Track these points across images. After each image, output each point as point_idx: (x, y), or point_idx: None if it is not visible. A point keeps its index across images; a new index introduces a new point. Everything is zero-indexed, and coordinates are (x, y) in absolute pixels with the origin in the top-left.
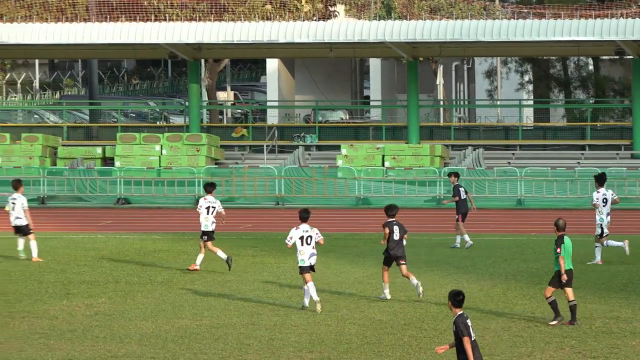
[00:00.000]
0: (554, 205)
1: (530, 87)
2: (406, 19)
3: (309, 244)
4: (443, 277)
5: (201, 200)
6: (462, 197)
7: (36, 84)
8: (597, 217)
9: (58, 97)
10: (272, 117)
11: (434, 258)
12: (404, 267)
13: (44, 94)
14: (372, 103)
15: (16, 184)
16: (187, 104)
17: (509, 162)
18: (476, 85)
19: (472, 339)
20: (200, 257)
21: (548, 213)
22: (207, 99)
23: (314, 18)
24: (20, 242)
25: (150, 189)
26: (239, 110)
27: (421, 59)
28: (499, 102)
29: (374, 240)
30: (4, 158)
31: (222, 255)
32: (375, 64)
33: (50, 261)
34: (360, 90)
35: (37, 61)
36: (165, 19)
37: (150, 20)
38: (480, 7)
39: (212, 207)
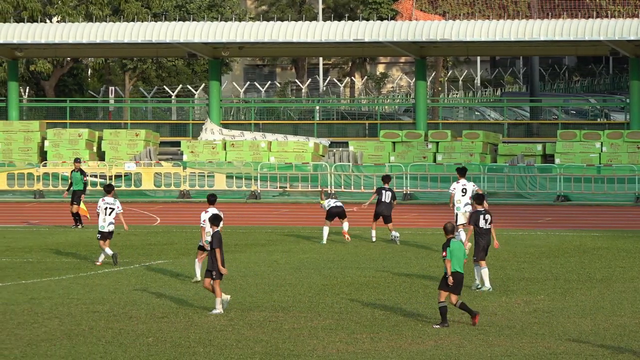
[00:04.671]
0: None
1: None
2: None
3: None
4: None
5: None
6: (382, 200)
7: (477, 81)
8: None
9: (499, 94)
10: None
11: None
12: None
13: (485, 91)
14: None
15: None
16: (628, 101)
17: None
18: None
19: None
20: None
21: None
22: None
23: None
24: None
25: (590, 186)
26: None
27: None
28: None
29: None
30: (444, 155)
31: None
32: None
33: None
34: None
35: (478, 58)
36: (607, 16)
37: (592, 17)
38: None
39: None
